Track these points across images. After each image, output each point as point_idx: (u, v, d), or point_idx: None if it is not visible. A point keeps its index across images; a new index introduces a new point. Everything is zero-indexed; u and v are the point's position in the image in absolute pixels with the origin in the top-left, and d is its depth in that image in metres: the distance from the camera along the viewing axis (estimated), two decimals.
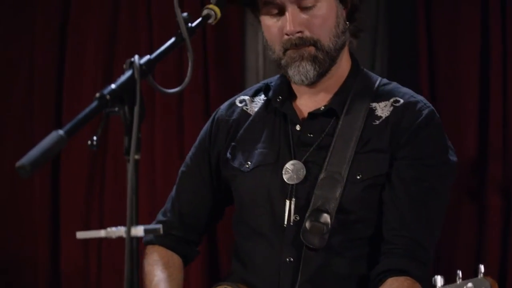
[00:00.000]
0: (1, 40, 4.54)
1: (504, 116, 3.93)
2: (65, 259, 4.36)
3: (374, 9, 4.29)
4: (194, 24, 1.83)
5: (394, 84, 2.30)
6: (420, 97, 2.26)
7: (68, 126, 1.58)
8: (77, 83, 4.53)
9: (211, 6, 1.92)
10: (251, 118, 2.32)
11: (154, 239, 2.37)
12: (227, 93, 4.21)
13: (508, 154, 3.94)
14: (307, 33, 2.16)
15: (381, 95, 2.24)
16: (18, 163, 1.51)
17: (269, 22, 2.20)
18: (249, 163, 2.26)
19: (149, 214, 3.93)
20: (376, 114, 2.21)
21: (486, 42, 3.97)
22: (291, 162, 2.20)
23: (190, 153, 2.42)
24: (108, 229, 1.63)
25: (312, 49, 2.17)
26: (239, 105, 2.37)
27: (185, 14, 1.81)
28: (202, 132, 2.41)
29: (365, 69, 2.33)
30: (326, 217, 2.12)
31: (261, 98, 2.34)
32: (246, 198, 2.26)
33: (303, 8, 2.16)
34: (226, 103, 2.41)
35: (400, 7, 4.08)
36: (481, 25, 3.98)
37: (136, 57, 1.71)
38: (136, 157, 1.66)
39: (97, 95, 1.64)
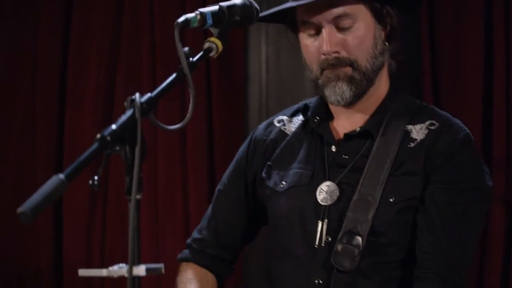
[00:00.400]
0: (4, 42, 4.56)
1: (507, 128, 3.92)
2: (68, 267, 4.37)
3: None
4: (195, 59, 1.82)
5: (431, 107, 2.30)
6: (456, 121, 2.25)
7: (68, 170, 1.58)
8: (80, 84, 4.53)
9: (212, 39, 1.91)
10: (288, 138, 2.33)
11: (189, 256, 2.40)
12: (229, 103, 4.22)
13: (511, 165, 3.93)
14: (344, 53, 2.17)
15: (417, 118, 2.23)
16: (20, 209, 1.52)
17: (307, 42, 2.21)
18: (283, 183, 2.26)
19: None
20: (411, 136, 2.20)
21: (490, 52, 3.96)
22: (325, 183, 2.20)
23: (227, 172, 2.44)
24: (110, 268, 1.63)
25: (349, 70, 2.17)
26: (277, 125, 2.38)
27: (186, 48, 1.80)
28: (239, 151, 2.43)
29: (402, 92, 2.32)
30: (358, 240, 2.11)
31: (299, 119, 2.35)
32: (280, 218, 2.27)
33: (340, 29, 2.16)
34: (264, 123, 2.43)
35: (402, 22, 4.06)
36: (485, 35, 3.97)
37: (137, 95, 1.70)
38: (138, 197, 1.66)
39: (98, 136, 1.64)
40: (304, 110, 2.34)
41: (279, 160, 2.30)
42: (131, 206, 1.65)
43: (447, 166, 2.15)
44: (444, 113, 2.28)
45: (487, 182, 2.20)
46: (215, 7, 1.93)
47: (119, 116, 4.31)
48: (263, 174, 2.31)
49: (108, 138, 1.63)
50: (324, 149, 2.24)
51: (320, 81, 2.21)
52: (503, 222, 3.89)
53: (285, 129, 2.35)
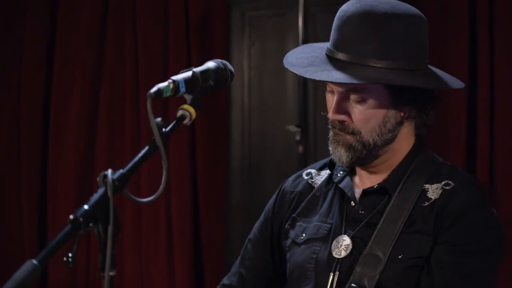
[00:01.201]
0: None
1: (491, 150, 3.94)
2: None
3: None
4: (168, 129, 1.81)
5: (452, 167, 2.27)
6: (474, 182, 2.23)
7: (42, 254, 1.59)
8: (64, 108, 4.54)
9: (185, 106, 1.90)
10: (313, 191, 2.37)
11: None
12: (212, 127, 4.23)
13: (494, 189, 3.96)
14: (349, 122, 2.18)
15: (436, 177, 2.22)
16: None
17: (327, 94, 2.24)
18: (303, 235, 2.31)
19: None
20: (427, 195, 2.20)
21: (474, 70, 3.97)
22: (341, 236, 2.23)
23: (258, 222, 2.48)
24: None
25: (350, 138, 2.19)
26: (305, 177, 2.42)
27: (158, 119, 1.79)
28: (268, 203, 2.47)
29: (429, 150, 2.31)
30: None
31: (326, 172, 2.39)
32: (295, 268, 2.31)
33: (352, 99, 2.16)
34: (294, 175, 2.46)
35: None
36: (469, 53, 3.99)
37: (109, 172, 1.70)
38: (111, 273, 1.67)
39: (71, 217, 1.64)
40: (330, 165, 2.36)
41: (303, 213, 2.35)
42: (105, 282, 1.66)
43: (456, 227, 2.14)
44: (463, 173, 2.25)
45: (497, 246, 2.17)
46: (188, 73, 1.91)
47: (102, 140, 4.35)
48: (287, 226, 2.36)
49: (81, 219, 1.64)
50: (344, 204, 2.28)
51: (330, 133, 2.24)
52: None
53: (312, 182, 2.39)
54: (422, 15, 2.21)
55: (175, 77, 1.87)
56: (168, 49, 4.43)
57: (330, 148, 2.23)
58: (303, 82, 4.14)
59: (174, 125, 1.86)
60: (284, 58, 2.25)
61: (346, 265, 2.20)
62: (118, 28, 4.55)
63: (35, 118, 4.58)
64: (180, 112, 1.90)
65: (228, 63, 2.01)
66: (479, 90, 3.96)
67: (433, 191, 2.20)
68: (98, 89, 4.53)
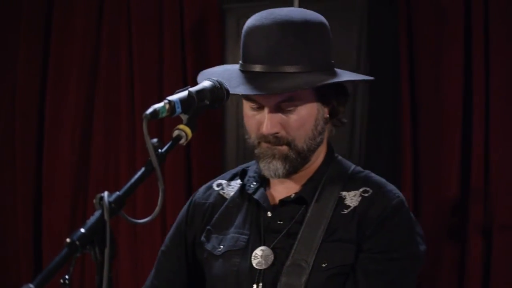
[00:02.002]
0: None
1: (486, 157, 3.94)
2: None
3: (355, 51, 4.29)
4: (164, 150, 1.82)
5: (366, 173, 2.32)
6: (390, 187, 2.27)
7: (38, 278, 1.59)
8: (58, 113, 4.55)
9: (181, 126, 1.91)
10: (226, 203, 2.36)
11: None
12: (207, 135, 4.23)
13: (489, 195, 3.96)
14: (283, 133, 2.19)
15: (352, 184, 2.27)
16: None
17: (248, 112, 2.23)
18: (221, 247, 2.30)
19: None
20: (345, 203, 2.24)
21: (469, 81, 3.98)
22: (260, 248, 2.24)
23: (169, 233, 2.47)
24: None
25: (285, 149, 2.20)
26: (216, 188, 2.41)
27: (154, 140, 1.80)
28: (180, 214, 2.45)
29: (339, 156, 2.36)
30: None
31: (237, 183, 2.39)
32: (216, 281, 2.31)
33: (283, 110, 2.18)
34: (203, 186, 2.45)
35: (382, 49, 4.09)
36: (464, 62, 3.99)
37: (106, 194, 1.71)
38: None
39: (68, 240, 1.65)
40: (242, 175, 2.37)
41: (218, 225, 2.34)
42: None
43: (378, 234, 2.18)
44: (378, 178, 2.29)
45: (419, 248, 2.22)
46: (184, 93, 1.92)
47: (97, 142, 4.34)
48: (202, 238, 2.35)
49: (77, 242, 1.64)
50: (260, 215, 2.28)
51: (256, 151, 2.23)
52: (479, 252, 3.93)
53: (223, 193, 2.38)
54: (324, 18, 2.28)
55: (171, 98, 1.88)
56: (163, 55, 4.44)
57: (262, 164, 2.22)
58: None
59: (170, 145, 1.87)
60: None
61: (270, 276, 2.21)
62: (113, 33, 4.56)
63: (30, 121, 4.58)
64: (176, 132, 1.91)
65: (224, 82, 2.02)
66: (474, 96, 3.97)
67: (351, 198, 2.24)
68: (93, 92, 4.54)
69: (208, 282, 2.35)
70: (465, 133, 3.99)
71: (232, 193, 2.37)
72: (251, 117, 2.22)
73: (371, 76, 4.12)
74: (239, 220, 2.31)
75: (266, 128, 2.17)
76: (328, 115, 2.26)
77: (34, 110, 4.59)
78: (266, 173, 2.23)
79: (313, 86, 2.15)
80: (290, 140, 2.19)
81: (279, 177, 2.22)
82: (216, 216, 2.35)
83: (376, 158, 4.09)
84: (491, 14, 3.96)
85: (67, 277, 1.68)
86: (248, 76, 2.17)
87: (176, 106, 1.88)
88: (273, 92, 2.13)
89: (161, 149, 1.82)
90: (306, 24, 2.18)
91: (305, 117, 2.19)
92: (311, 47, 2.17)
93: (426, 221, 4.04)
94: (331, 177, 2.27)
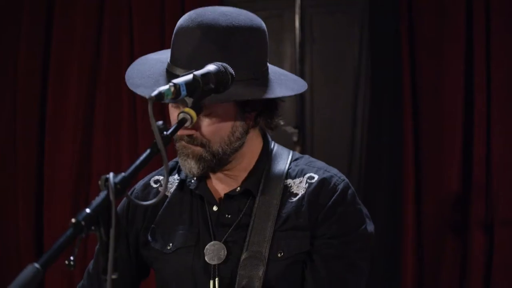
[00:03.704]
0: None
1: (487, 153, 3.94)
2: None
3: (357, 50, 4.29)
4: (169, 132, 1.81)
5: (305, 158, 2.33)
6: (334, 171, 2.29)
7: (44, 258, 1.58)
8: (60, 111, 4.54)
9: (186, 109, 1.90)
10: (168, 199, 2.34)
11: None
12: None
13: (490, 190, 3.96)
14: (197, 135, 2.16)
15: (295, 172, 2.28)
16: None
17: (170, 108, 2.21)
18: (170, 244, 2.29)
19: None
20: (291, 191, 2.25)
21: (470, 80, 3.98)
22: (211, 243, 2.23)
23: None
24: None
25: (199, 150, 2.18)
26: (154, 185, 2.38)
27: (160, 122, 1.79)
28: (117, 209, 2.41)
29: (276, 145, 2.35)
30: None
31: (175, 178, 2.36)
32: (170, 279, 2.29)
33: (201, 114, 2.14)
34: (140, 184, 2.41)
35: (383, 48, 4.09)
36: (465, 61, 3.99)
37: (111, 175, 1.70)
38: (113, 276, 1.67)
39: (73, 220, 1.63)
40: (179, 170, 2.35)
41: (163, 223, 2.32)
42: (107, 286, 1.66)
43: (330, 219, 2.20)
44: (320, 164, 2.31)
45: (368, 228, 2.25)
46: (189, 76, 1.91)
47: (99, 141, 4.33)
48: (149, 237, 2.32)
49: (83, 223, 1.63)
50: (206, 209, 2.27)
51: (176, 146, 2.21)
52: (482, 246, 3.92)
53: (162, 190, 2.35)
54: (262, 23, 2.22)
55: (176, 80, 1.87)
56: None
57: (179, 161, 2.20)
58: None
59: (175, 128, 1.86)
60: (126, 78, 2.21)
61: (226, 271, 2.21)
62: (114, 28, 4.55)
63: (31, 119, 4.58)
64: (181, 115, 1.91)
65: (228, 66, 2.01)
66: (476, 92, 3.96)
67: (297, 186, 2.25)
68: (94, 90, 4.53)
69: (159, 281, 2.33)
70: (467, 130, 3.99)
71: (172, 189, 2.34)
72: (172, 113, 2.20)
73: (373, 71, 4.15)
74: (184, 216, 2.30)
75: (182, 129, 2.10)
76: (251, 121, 2.22)
77: (35, 108, 4.58)
78: (183, 169, 2.22)
79: (220, 102, 2.08)
80: (205, 142, 2.17)
81: (193, 175, 2.21)
82: (159, 213, 2.33)
83: (378, 153, 4.08)
84: (492, 10, 3.96)
85: (72, 258, 1.67)
86: (168, 76, 2.15)
87: (181, 89, 1.87)
88: (173, 102, 2.06)
89: (166, 131, 1.81)
90: (231, 30, 2.12)
91: (220, 123, 2.16)
92: (233, 56, 2.10)
93: (428, 217, 4.04)
94: (272, 167, 2.28)
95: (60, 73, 4.58)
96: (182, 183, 2.34)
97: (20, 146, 4.63)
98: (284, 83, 2.22)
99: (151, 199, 2.30)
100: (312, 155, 4.09)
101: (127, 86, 4.54)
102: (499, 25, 3.95)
